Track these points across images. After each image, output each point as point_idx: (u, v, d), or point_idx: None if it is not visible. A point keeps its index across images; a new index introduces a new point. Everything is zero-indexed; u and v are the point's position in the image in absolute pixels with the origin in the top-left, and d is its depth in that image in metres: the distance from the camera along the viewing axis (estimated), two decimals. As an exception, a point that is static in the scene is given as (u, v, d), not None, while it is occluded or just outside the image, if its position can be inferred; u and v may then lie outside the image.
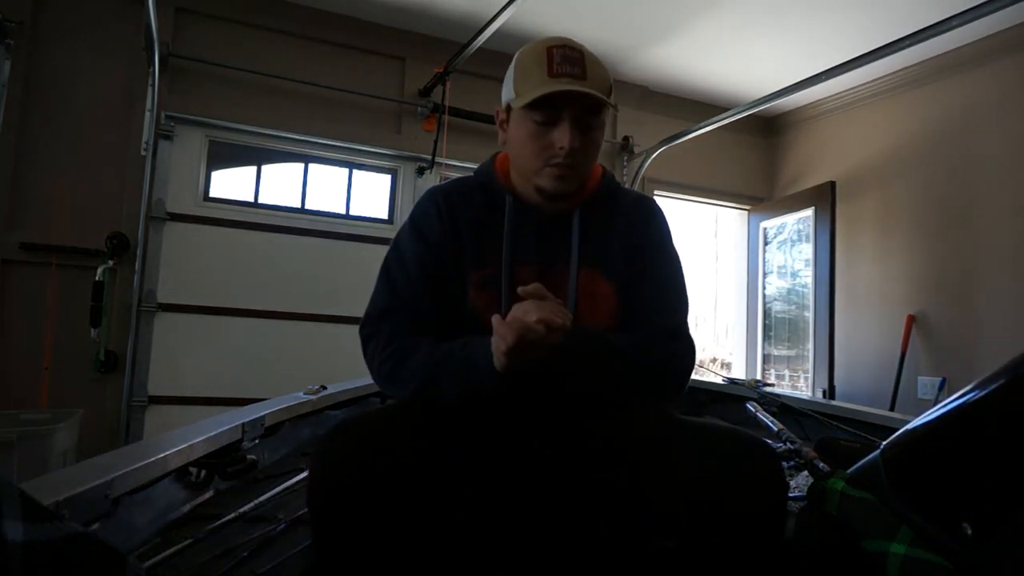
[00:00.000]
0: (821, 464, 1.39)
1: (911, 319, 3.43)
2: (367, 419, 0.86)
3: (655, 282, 1.04)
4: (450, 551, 0.83)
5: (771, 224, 4.31)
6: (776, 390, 2.25)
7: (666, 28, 3.33)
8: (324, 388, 1.94)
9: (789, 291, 4.17)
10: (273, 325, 3.22)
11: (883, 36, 2.56)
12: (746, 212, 4.53)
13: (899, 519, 0.80)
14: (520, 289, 0.84)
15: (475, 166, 1.14)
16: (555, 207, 1.03)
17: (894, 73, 3.61)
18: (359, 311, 1.04)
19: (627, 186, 1.94)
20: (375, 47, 3.48)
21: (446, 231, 1.03)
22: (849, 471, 0.94)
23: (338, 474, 0.76)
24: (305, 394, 1.88)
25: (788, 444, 1.59)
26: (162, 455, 1.15)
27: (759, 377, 4.08)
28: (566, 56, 0.95)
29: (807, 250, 3.89)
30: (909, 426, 0.89)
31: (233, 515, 1.22)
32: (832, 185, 3.76)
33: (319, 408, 1.89)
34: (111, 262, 2.87)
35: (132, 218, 2.94)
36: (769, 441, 1.73)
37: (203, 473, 1.37)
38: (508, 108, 1.02)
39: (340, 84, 3.35)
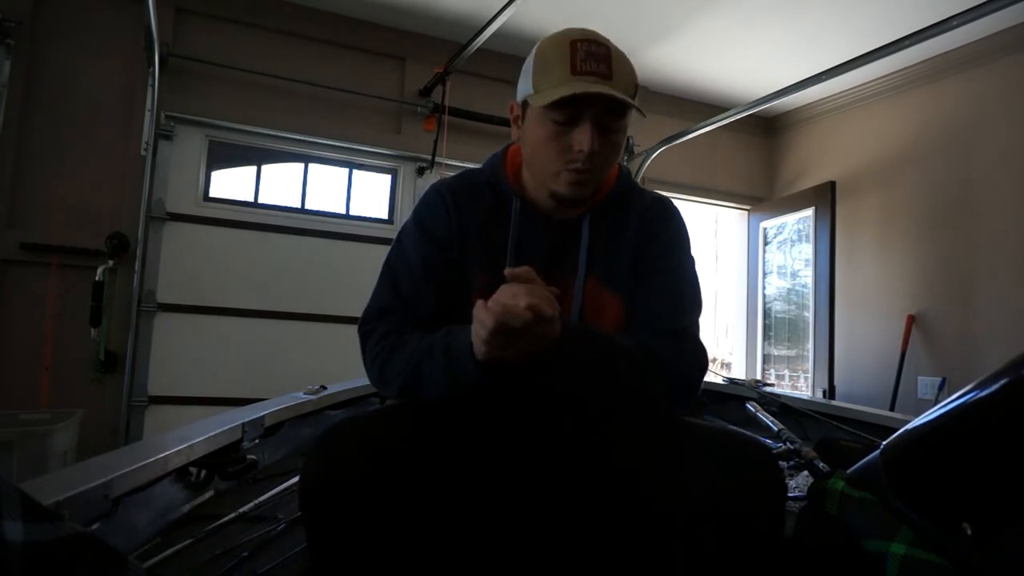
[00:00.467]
0: (821, 464, 1.39)
1: (911, 319, 3.43)
2: (359, 422, 0.83)
3: (665, 285, 0.98)
4: (444, 554, 0.81)
5: (771, 224, 4.31)
6: (776, 390, 2.25)
7: (666, 28, 3.33)
8: (324, 388, 1.94)
9: (789, 291, 4.17)
10: (273, 325, 3.22)
11: (883, 36, 2.56)
12: (746, 212, 4.53)
13: (899, 519, 0.80)
14: (507, 271, 0.76)
15: (475, 167, 1.07)
16: (565, 212, 0.98)
17: (894, 73, 3.61)
18: (359, 311, 1.01)
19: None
20: (375, 47, 3.48)
21: (453, 231, 0.98)
22: (849, 471, 0.94)
23: (329, 478, 0.74)
24: (305, 394, 1.88)
25: (788, 444, 1.59)
26: (162, 455, 1.15)
27: (759, 377, 4.08)
28: (591, 52, 0.89)
29: (807, 250, 3.90)
30: (909, 426, 0.89)
31: (233, 515, 1.22)
32: (832, 185, 3.76)
33: (319, 408, 1.89)
34: (111, 262, 2.87)
35: (132, 218, 2.94)
36: (769, 441, 1.74)
37: (203, 473, 1.37)
38: (525, 104, 0.95)
39: (340, 84, 3.35)
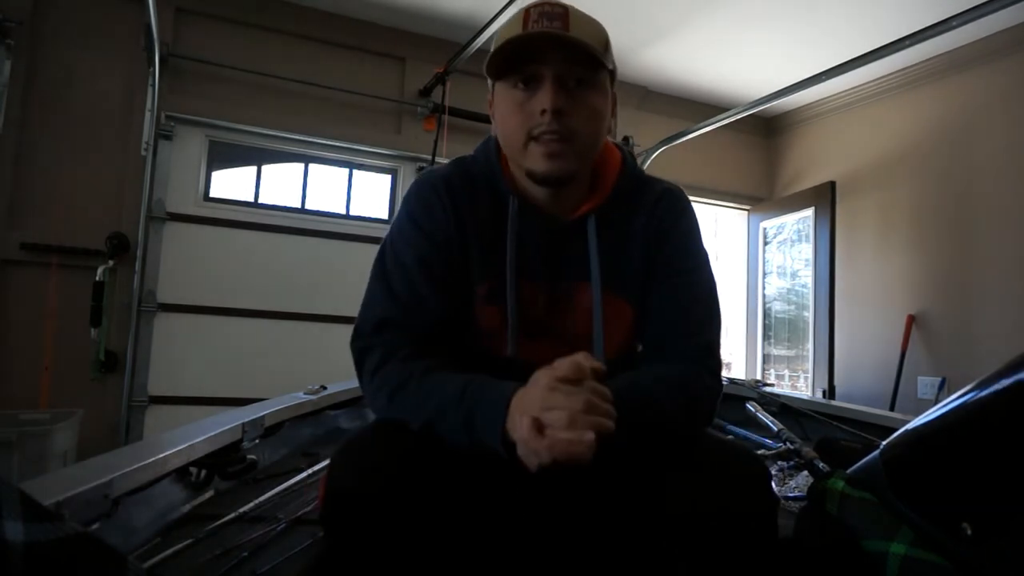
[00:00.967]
0: (821, 464, 1.39)
1: (911, 319, 3.43)
2: (383, 432, 0.78)
3: (682, 293, 0.90)
4: (465, 562, 0.79)
5: (771, 224, 4.31)
6: (776, 390, 2.25)
7: (666, 28, 3.33)
8: (324, 388, 1.94)
9: (789, 291, 4.17)
10: (273, 325, 3.22)
11: (883, 36, 2.56)
12: (746, 212, 4.53)
13: (899, 519, 0.80)
14: (558, 368, 0.68)
15: (468, 155, 0.99)
16: (563, 208, 0.90)
17: (894, 73, 3.61)
18: (358, 311, 0.93)
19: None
20: (375, 47, 3.48)
21: (452, 231, 0.89)
22: (849, 471, 0.94)
23: (358, 489, 0.70)
24: (305, 394, 1.88)
25: (788, 444, 1.59)
26: (162, 455, 1.15)
27: (759, 377, 4.08)
28: (544, 12, 0.81)
29: (807, 250, 3.90)
30: (909, 426, 0.89)
31: (233, 515, 1.22)
32: (832, 185, 3.77)
33: (319, 408, 1.89)
34: (111, 262, 2.87)
35: (132, 218, 2.94)
36: (769, 441, 1.74)
37: (203, 473, 1.37)
38: (494, 89, 0.89)
39: (340, 84, 3.35)
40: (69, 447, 2.31)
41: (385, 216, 3.56)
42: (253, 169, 3.33)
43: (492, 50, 0.82)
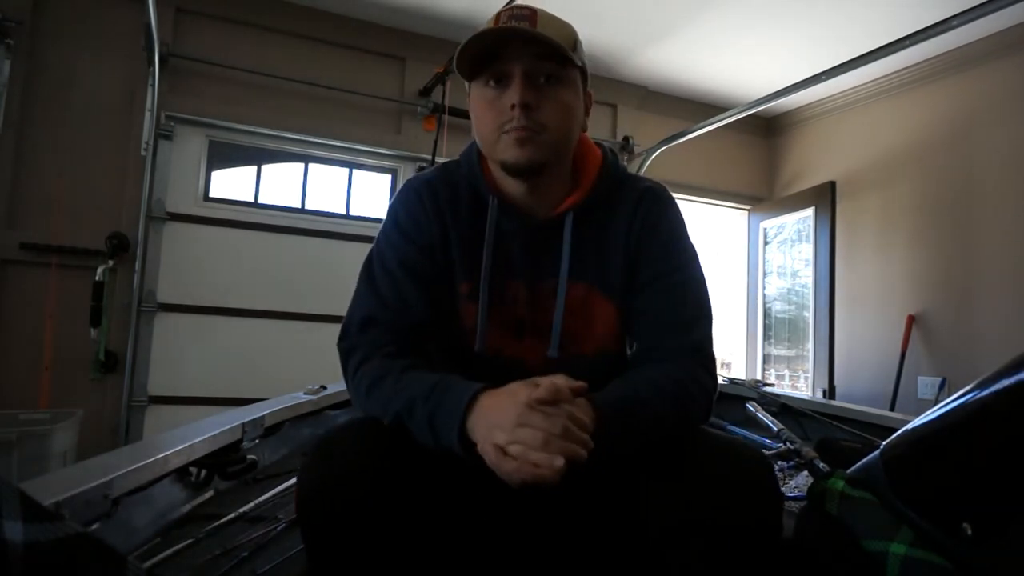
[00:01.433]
0: (821, 464, 1.39)
1: (911, 319, 3.43)
2: (355, 428, 0.79)
3: (670, 293, 0.90)
4: (442, 561, 0.78)
5: (771, 224, 4.31)
6: (776, 390, 2.25)
7: (666, 28, 3.33)
8: (324, 388, 1.94)
9: (789, 291, 4.17)
10: (273, 325, 3.22)
11: (883, 36, 2.56)
12: (746, 212, 4.53)
13: (899, 519, 0.80)
14: (536, 388, 0.70)
15: (453, 159, 1.00)
16: (542, 206, 0.91)
17: (894, 73, 3.61)
18: (346, 313, 0.95)
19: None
20: (375, 47, 3.48)
21: (435, 235, 0.92)
22: (849, 471, 0.94)
23: (325, 485, 0.71)
24: (305, 394, 1.88)
25: (788, 444, 1.59)
26: (162, 455, 1.15)
27: (759, 377, 4.08)
28: (513, 14, 0.83)
29: (807, 250, 3.90)
30: (909, 426, 0.89)
31: (233, 515, 1.22)
32: (832, 185, 3.77)
33: (319, 408, 1.89)
34: (111, 262, 2.87)
35: (132, 218, 2.94)
36: (769, 441, 1.74)
37: (203, 473, 1.37)
38: (470, 90, 0.91)
39: (340, 84, 3.35)
40: (69, 447, 2.31)
41: (385, 216, 3.56)
42: (253, 169, 3.33)
43: (458, 49, 0.85)
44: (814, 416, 1.98)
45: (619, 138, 3.97)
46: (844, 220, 3.80)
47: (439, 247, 0.92)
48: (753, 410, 1.97)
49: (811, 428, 1.98)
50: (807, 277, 3.88)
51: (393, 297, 0.89)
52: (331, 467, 0.72)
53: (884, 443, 0.91)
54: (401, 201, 0.96)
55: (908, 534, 0.77)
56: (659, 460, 0.78)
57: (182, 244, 3.07)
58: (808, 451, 1.46)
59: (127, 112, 2.98)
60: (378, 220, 3.49)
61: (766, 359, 4.33)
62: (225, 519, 1.20)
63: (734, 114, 3.39)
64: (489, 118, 0.86)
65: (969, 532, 0.71)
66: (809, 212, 3.89)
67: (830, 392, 3.55)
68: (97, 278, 2.81)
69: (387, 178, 3.62)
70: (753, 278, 4.46)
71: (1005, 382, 0.73)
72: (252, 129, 3.21)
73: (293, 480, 1.42)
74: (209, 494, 1.37)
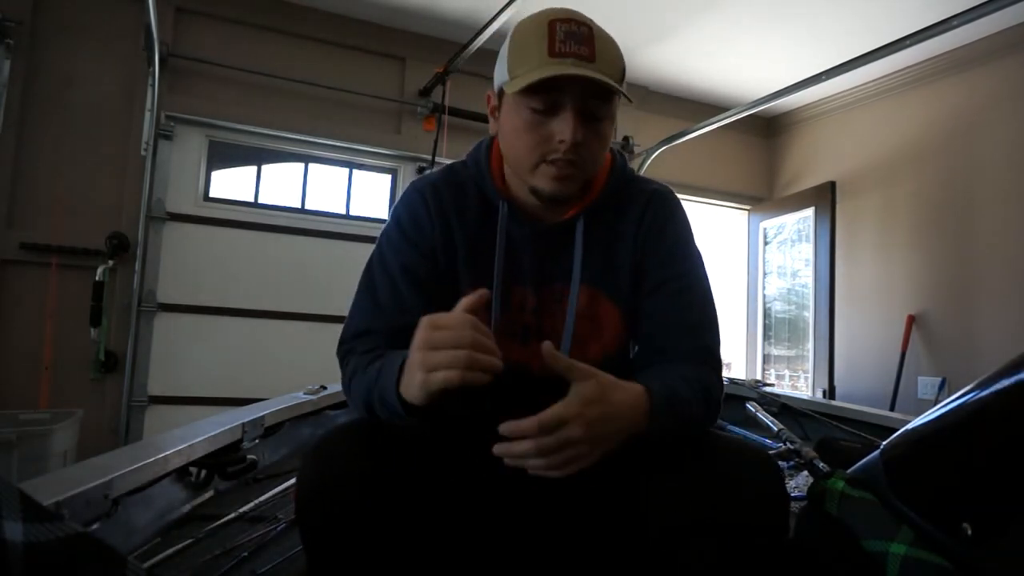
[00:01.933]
0: (821, 464, 1.39)
1: (911, 319, 3.43)
2: (354, 428, 0.79)
3: (678, 298, 0.89)
4: (440, 561, 0.77)
5: (771, 224, 4.31)
6: (776, 390, 2.25)
7: (666, 28, 3.33)
8: (324, 388, 1.94)
9: (789, 291, 4.17)
10: (273, 325, 3.21)
11: (883, 36, 2.56)
12: (746, 212, 4.53)
13: (899, 519, 0.80)
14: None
15: (460, 160, 0.99)
16: (554, 212, 0.90)
17: (894, 73, 3.61)
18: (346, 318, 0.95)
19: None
20: (375, 47, 3.48)
21: (438, 239, 0.90)
22: (849, 471, 0.94)
23: (323, 485, 0.71)
24: (305, 394, 1.88)
25: (788, 444, 1.59)
26: (162, 455, 1.15)
27: (759, 377, 4.08)
28: (571, 32, 0.79)
29: (807, 250, 3.90)
30: (909, 426, 0.89)
31: (233, 515, 1.23)
32: (832, 185, 3.77)
33: (319, 408, 1.89)
34: (111, 262, 2.87)
35: (132, 218, 2.94)
36: (769, 441, 1.74)
37: (203, 473, 1.37)
38: (501, 93, 0.87)
39: (340, 84, 3.35)
40: (69, 447, 2.31)
41: (385, 216, 3.56)
42: (253, 169, 3.33)
43: (520, 69, 0.80)
44: (814, 416, 1.99)
45: (619, 138, 3.97)
46: (844, 220, 3.80)
47: (442, 251, 0.90)
48: (753, 410, 1.97)
49: (811, 428, 1.98)
50: (807, 277, 3.88)
51: (392, 302, 0.88)
52: (329, 468, 0.73)
53: (884, 443, 0.91)
54: (404, 203, 0.93)
55: (908, 534, 0.77)
56: (664, 459, 0.78)
57: (182, 244, 3.07)
58: (808, 451, 1.46)
59: (127, 112, 2.98)
60: (378, 220, 3.51)
61: (766, 359, 4.33)
62: (225, 519, 1.21)
63: (734, 114, 3.39)
64: (531, 142, 0.82)
65: (969, 532, 0.71)
66: (809, 212, 3.89)
67: (830, 392, 3.55)
68: (97, 278, 2.81)
69: (387, 178, 3.62)
70: (753, 278, 4.46)
71: (1005, 382, 0.73)
72: (252, 129, 3.21)
73: (293, 480, 1.42)
74: (209, 494, 1.37)
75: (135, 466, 1.06)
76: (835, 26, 3.17)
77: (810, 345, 3.78)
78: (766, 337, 4.34)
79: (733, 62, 3.67)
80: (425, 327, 0.69)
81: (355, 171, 3.54)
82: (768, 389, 2.25)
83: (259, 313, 3.19)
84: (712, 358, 0.88)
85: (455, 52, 3.15)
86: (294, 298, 3.25)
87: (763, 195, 4.54)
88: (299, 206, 3.38)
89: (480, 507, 0.84)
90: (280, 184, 3.38)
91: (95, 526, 0.96)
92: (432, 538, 0.76)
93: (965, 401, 0.79)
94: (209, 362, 3.08)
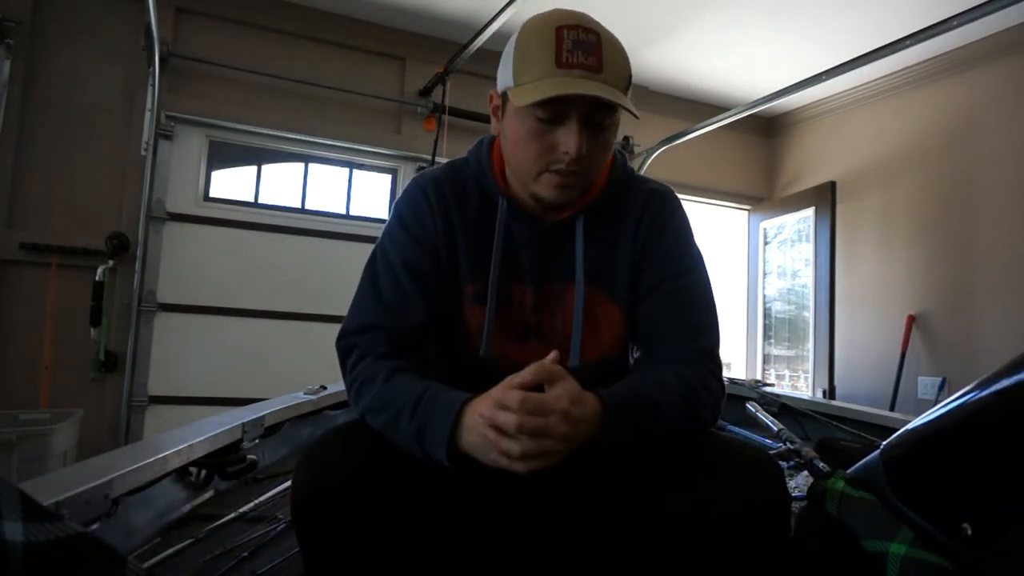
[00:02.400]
0: (821, 464, 1.39)
1: (911, 319, 3.43)
2: (349, 431, 0.79)
3: (677, 297, 0.88)
4: (436, 563, 0.77)
5: (771, 224, 4.31)
6: (776, 390, 2.25)
7: (666, 28, 3.33)
8: (324, 388, 1.94)
9: (789, 291, 4.17)
10: (273, 325, 3.21)
11: (883, 36, 2.56)
12: (746, 212, 4.53)
13: (899, 519, 0.80)
14: (514, 381, 0.71)
15: (461, 157, 0.99)
16: (554, 212, 0.90)
17: (894, 73, 3.61)
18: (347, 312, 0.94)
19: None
20: (375, 47, 3.48)
21: (439, 235, 0.90)
22: (849, 471, 0.94)
23: (317, 487, 0.71)
24: (305, 394, 1.88)
25: (788, 444, 1.59)
26: (162, 455, 1.15)
27: (759, 377, 4.08)
28: (579, 41, 0.78)
29: (807, 250, 3.90)
30: (909, 426, 0.89)
31: (233, 515, 1.23)
32: (832, 185, 3.77)
33: (319, 408, 1.89)
34: (111, 262, 2.87)
35: (132, 218, 2.94)
36: (769, 441, 1.74)
37: (203, 473, 1.37)
38: (504, 94, 0.85)
39: (340, 84, 3.35)
40: (69, 447, 2.31)
41: (385, 216, 3.56)
42: (253, 169, 3.33)
43: (526, 76, 0.80)
44: (814, 416, 1.98)
45: (619, 138, 3.97)
46: (844, 220, 3.80)
47: (444, 246, 0.90)
48: (753, 410, 1.97)
49: (811, 428, 1.98)
50: (807, 277, 3.88)
51: (394, 297, 0.88)
52: (324, 469, 0.73)
53: (884, 443, 0.91)
54: (407, 199, 0.93)
55: (908, 534, 0.77)
56: (665, 461, 0.78)
57: (182, 244, 3.07)
58: (808, 451, 1.46)
59: (127, 112, 2.98)
60: (378, 220, 3.51)
61: (766, 359, 4.33)
62: (225, 519, 1.21)
63: (734, 114, 3.39)
64: (533, 150, 0.82)
65: (969, 532, 0.71)
66: (809, 212, 3.89)
67: (830, 392, 3.55)
68: (97, 278, 2.81)
69: (387, 178, 3.62)
70: (753, 278, 4.46)
71: (1005, 382, 0.73)
72: (252, 129, 3.21)
73: (293, 480, 1.42)
74: (209, 494, 1.37)
75: (135, 466, 1.06)
76: (835, 26, 3.17)
77: (810, 345, 3.78)
78: (766, 337, 4.34)
79: (733, 62, 3.67)
80: (518, 406, 0.69)
81: (355, 171, 3.54)
82: (768, 389, 2.25)
83: (259, 313, 3.19)
84: (711, 359, 0.86)
85: (455, 52, 3.15)
86: (294, 298, 3.25)
87: (763, 195, 4.54)
88: (299, 206, 3.38)
89: (475, 508, 0.84)
90: (280, 184, 3.38)
91: (95, 526, 0.96)
92: (427, 539, 0.76)
93: (965, 401, 0.79)
94: (209, 362, 3.08)
